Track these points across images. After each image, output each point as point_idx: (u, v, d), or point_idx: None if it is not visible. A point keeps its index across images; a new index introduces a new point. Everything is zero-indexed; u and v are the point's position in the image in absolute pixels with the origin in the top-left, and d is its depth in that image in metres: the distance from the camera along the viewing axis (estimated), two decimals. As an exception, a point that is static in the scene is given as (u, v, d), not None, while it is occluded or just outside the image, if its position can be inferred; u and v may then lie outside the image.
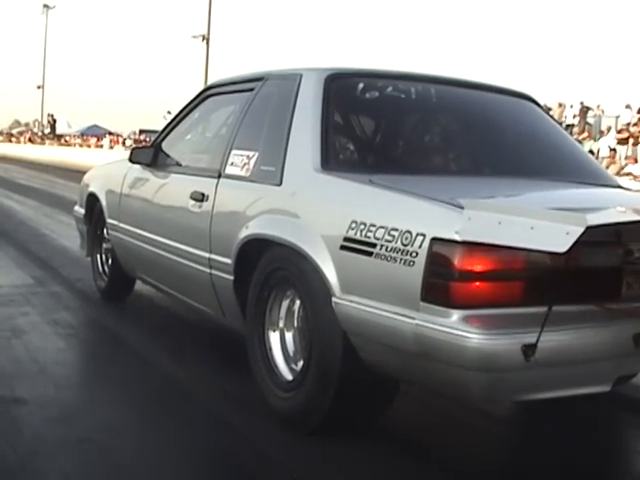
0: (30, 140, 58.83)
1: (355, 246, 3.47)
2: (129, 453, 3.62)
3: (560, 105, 25.25)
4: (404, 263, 3.23)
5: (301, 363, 3.94)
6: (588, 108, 25.42)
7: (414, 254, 3.19)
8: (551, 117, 5.35)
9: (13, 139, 64.88)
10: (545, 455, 3.91)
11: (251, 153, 4.45)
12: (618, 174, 17.86)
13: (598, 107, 25.98)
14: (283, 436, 3.86)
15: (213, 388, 4.54)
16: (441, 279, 3.12)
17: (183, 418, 4.09)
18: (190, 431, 3.93)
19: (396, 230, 3.29)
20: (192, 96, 5.79)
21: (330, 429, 3.81)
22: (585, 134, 23.91)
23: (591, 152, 18.32)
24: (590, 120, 25.48)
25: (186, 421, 4.05)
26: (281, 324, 4.13)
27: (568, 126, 23.03)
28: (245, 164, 4.45)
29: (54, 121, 59.11)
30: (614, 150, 21.01)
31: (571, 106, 25.44)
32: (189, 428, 3.96)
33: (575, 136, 19.60)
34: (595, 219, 2.84)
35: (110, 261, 6.52)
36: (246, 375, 4.27)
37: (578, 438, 4.20)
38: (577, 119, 24.96)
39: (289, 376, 4.02)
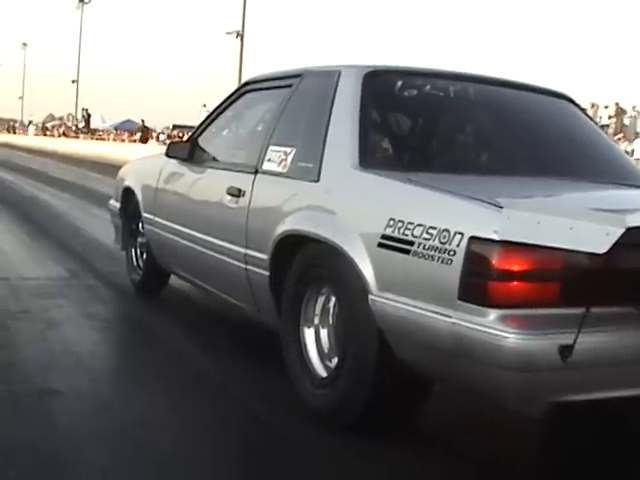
0: (64, 134, 59.18)
1: (393, 244, 3.46)
2: (162, 447, 3.63)
3: (593, 105, 25.09)
4: (442, 261, 3.22)
5: (335, 360, 3.93)
6: (623, 110, 25.28)
7: (452, 253, 3.18)
8: (589, 117, 5.32)
9: (47, 133, 65.29)
10: (581, 457, 3.89)
11: (288, 149, 4.45)
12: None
13: (634, 108, 25.84)
14: (315, 432, 3.86)
15: (246, 383, 4.55)
16: (479, 278, 3.11)
17: (216, 413, 4.11)
18: (223, 426, 3.95)
19: (434, 228, 3.28)
20: (226, 92, 5.80)
21: (363, 426, 3.81)
22: (620, 135, 23.77)
23: (626, 153, 18.19)
24: (626, 121, 25.34)
25: (219, 416, 4.07)
26: (316, 321, 4.12)
27: (602, 127, 22.91)
28: (282, 160, 4.45)
29: (88, 115, 59.37)
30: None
31: (606, 107, 25.30)
32: (222, 423, 3.99)
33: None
34: (635, 220, 2.84)
35: (145, 255, 6.53)
36: (279, 371, 4.28)
37: (615, 441, 4.15)
38: (612, 120, 24.82)
39: (323, 373, 4.02)
